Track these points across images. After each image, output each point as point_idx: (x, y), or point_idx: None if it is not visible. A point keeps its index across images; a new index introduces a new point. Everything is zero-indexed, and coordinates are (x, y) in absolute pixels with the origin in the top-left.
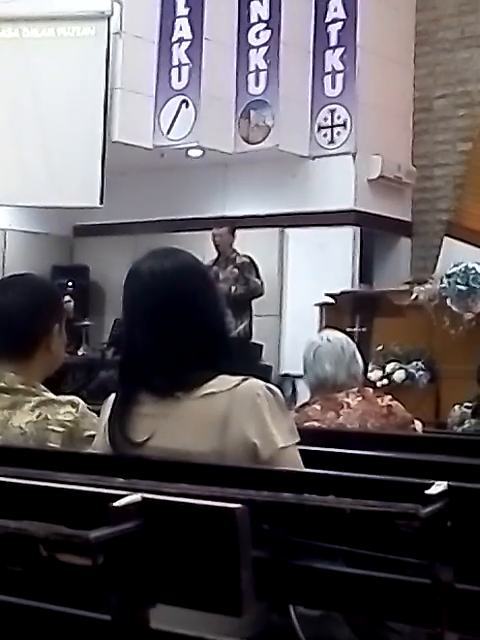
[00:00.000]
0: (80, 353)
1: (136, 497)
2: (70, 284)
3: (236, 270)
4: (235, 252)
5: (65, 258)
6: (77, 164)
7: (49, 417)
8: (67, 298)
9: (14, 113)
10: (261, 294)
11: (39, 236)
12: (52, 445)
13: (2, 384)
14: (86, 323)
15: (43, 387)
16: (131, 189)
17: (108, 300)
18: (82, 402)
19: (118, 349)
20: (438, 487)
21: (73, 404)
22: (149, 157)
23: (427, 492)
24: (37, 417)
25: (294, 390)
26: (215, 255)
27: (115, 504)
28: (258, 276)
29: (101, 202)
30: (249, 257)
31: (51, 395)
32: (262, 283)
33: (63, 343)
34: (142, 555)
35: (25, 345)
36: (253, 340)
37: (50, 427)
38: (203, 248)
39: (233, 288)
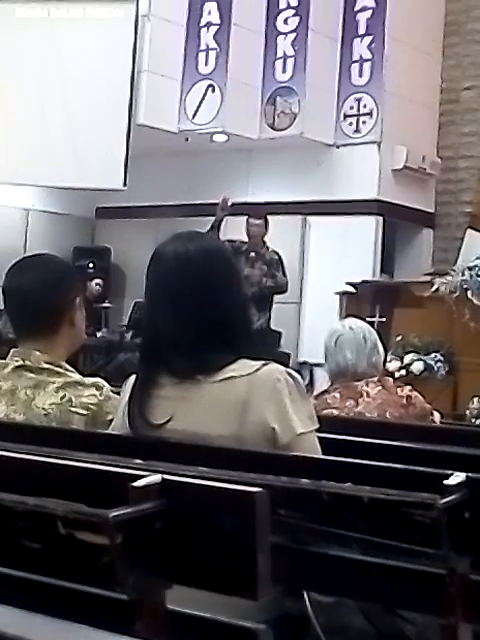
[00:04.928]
0: (99, 335)
1: (156, 478)
2: (91, 265)
3: (265, 266)
4: (265, 246)
5: (87, 239)
6: (101, 146)
7: (73, 399)
8: (97, 281)
9: (40, 93)
10: (285, 291)
11: (61, 217)
12: (75, 428)
13: (27, 363)
14: (106, 305)
15: (68, 367)
16: (155, 172)
17: (129, 282)
18: (106, 385)
19: (137, 332)
20: (456, 478)
21: (97, 387)
22: (174, 141)
23: (445, 483)
24: (61, 399)
25: (312, 378)
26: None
27: (135, 484)
28: (284, 273)
29: (124, 184)
30: (278, 254)
31: (76, 376)
32: (287, 281)
33: (84, 318)
34: (160, 536)
35: (49, 321)
36: (272, 327)
37: (74, 409)
38: (225, 233)
39: (264, 280)
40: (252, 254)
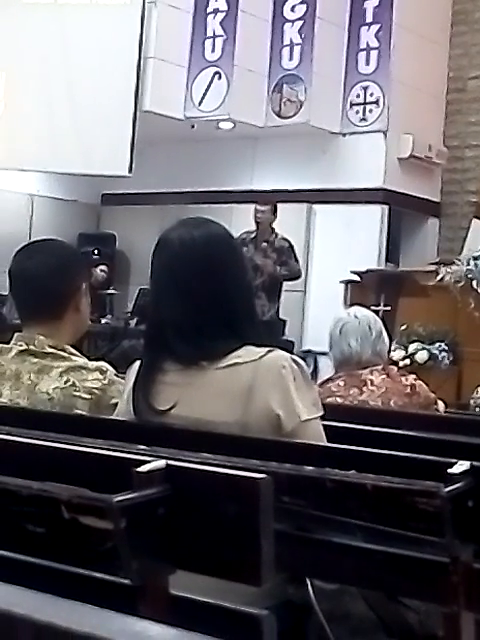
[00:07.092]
0: (104, 322)
1: (160, 463)
2: (96, 252)
3: (274, 254)
4: (274, 233)
5: (92, 226)
6: (107, 132)
7: (77, 384)
8: (102, 267)
9: (47, 79)
10: (299, 277)
11: (67, 203)
12: (79, 412)
13: (31, 347)
14: (111, 292)
15: (73, 350)
16: (160, 159)
17: (133, 269)
18: (110, 368)
19: (142, 318)
20: (461, 466)
21: (101, 371)
22: (179, 128)
23: (449, 471)
24: (65, 383)
25: (316, 366)
26: (245, 228)
27: (139, 469)
28: (296, 259)
29: (130, 171)
30: (288, 240)
31: (80, 360)
32: (300, 268)
33: (89, 304)
34: (164, 521)
35: (55, 306)
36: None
37: (77, 394)
38: (230, 221)
39: (278, 269)
40: (264, 244)
